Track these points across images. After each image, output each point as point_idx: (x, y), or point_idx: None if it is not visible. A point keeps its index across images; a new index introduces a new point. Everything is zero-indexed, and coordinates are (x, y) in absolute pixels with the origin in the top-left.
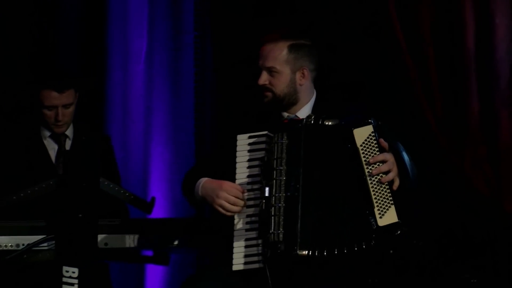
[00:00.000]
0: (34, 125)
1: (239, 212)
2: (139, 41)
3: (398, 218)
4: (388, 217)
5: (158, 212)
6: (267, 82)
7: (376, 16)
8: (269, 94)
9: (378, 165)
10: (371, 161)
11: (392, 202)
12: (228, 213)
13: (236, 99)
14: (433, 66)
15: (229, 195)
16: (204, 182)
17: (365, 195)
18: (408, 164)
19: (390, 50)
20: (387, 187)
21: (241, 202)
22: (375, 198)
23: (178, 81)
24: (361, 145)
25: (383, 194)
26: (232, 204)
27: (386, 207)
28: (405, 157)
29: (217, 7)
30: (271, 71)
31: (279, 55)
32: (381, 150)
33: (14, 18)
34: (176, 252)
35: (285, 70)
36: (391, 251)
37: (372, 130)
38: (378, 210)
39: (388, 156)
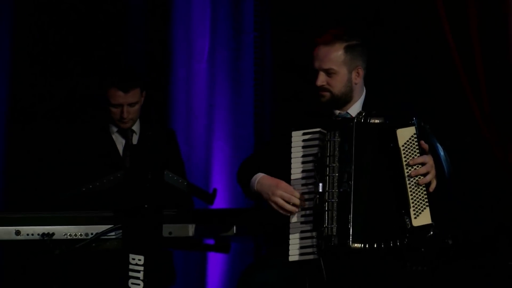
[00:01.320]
0: (104, 121)
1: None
2: (201, 40)
3: (432, 220)
4: (422, 218)
5: (219, 203)
6: (325, 83)
7: (424, 13)
8: (327, 94)
9: (418, 166)
10: (410, 162)
11: (427, 203)
12: (282, 211)
13: (292, 96)
14: (480, 62)
15: (285, 193)
16: (260, 178)
17: (403, 194)
18: (446, 166)
19: (438, 46)
20: (424, 188)
21: (297, 201)
22: (412, 199)
23: (238, 79)
24: (403, 146)
25: (420, 195)
26: (287, 203)
27: (421, 209)
28: (443, 158)
29: (276, 8)
30: (329, 73)
31: (336, 56)
32: (422, 152)
33: (84, 21)
34: (236, 241)
35: (342, 70)
36: (423, 249)
37: (414, 131)
38: (414, 210)
39: (428, 159)
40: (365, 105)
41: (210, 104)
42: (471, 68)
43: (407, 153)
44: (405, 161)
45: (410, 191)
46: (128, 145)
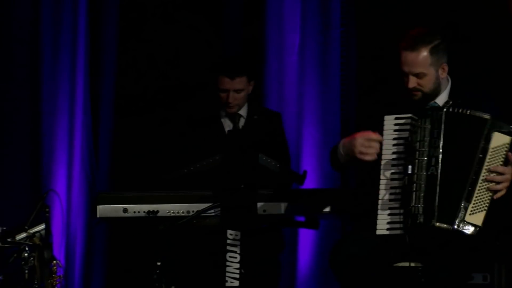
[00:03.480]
0: (214, 106)
1: (376, 157)
2: (292, 35)
3: (482, 224)
4: (475, 217)
5: (309, 183)
6: (415, 85)
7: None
8: (418, 93)
9: (496, 174)
10: (492, 168)
11: (486, 208)
12: (368, 157)
13: (374, 85)
14: None
15: (363, 139)
16: (341, 142)
17: (470, 189)
18: None
19: None
20: (490, 194)
21: (375, 144)
22: (475, 198)
23: (326, 70)
24: (492, 149)
25: (484, 198)
26: (368, 147)
27: (479, 209)
28: None
29: (360, 4)
30: (418, 76)
31: (423, 60)
32: (505, 162)
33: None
34: (324, 218)
35: (430, 71)
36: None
37: (509, 142)
38: (472, 208)
39: (508, 171)
40: (451, 94)
41: (300, 93)
42: None
43: (492, 157)
44: (487, 164)
45: (478, 191)
46: (234, 129)
